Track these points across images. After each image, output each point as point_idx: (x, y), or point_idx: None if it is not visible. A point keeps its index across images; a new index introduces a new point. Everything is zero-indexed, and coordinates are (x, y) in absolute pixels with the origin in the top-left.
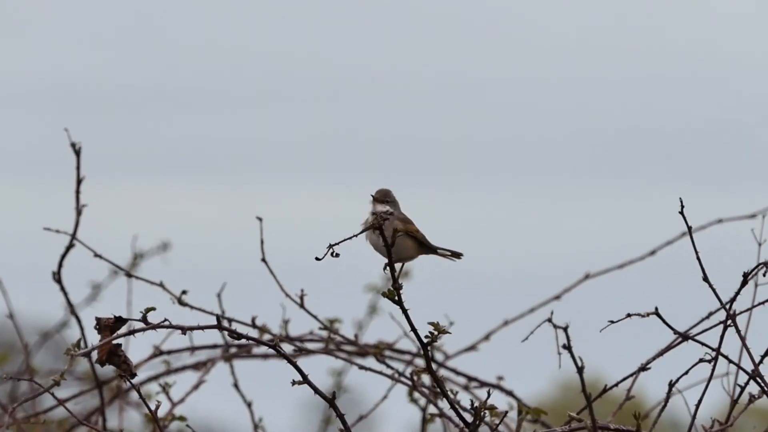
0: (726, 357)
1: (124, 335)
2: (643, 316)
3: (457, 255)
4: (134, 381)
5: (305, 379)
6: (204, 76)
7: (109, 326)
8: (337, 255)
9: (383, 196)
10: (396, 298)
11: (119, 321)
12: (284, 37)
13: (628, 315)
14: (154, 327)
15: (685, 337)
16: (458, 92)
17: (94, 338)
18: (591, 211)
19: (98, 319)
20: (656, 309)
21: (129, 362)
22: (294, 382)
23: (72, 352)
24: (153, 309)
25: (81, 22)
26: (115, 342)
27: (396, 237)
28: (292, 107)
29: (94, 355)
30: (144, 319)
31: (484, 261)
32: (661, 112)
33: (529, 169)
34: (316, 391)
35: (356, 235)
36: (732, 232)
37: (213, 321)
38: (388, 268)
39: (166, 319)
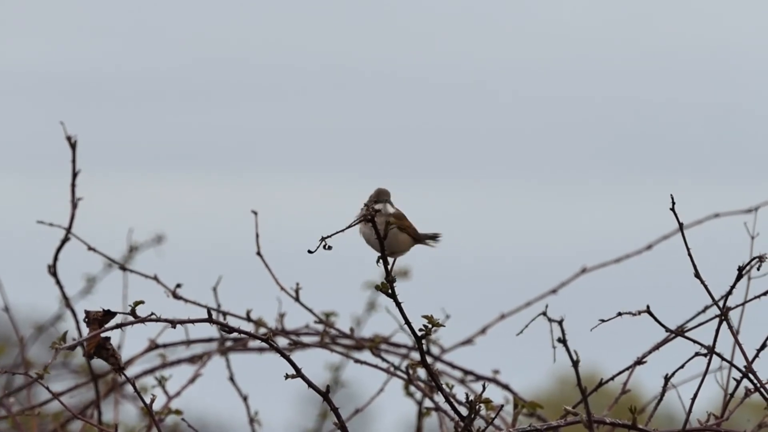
0: (719, 355)
1: (112, 328)
2: (634, 314)
3: (434, 238)
4: (130, 374)
5: (299, 373)
6: (200, 69)
7: (97, 319)
8: (330, 248)
9: (380, 196)
10: (389, 291)
11: (108, 314)
12: (280, 29)
13: (619, 314)
14: (143, 321)
15: (677, 333)
16: (455, 85)
17: (87, 332)
18: (588, 205)
19: (87, 313)
20: (648, 307)
21: (117, 356)
22: (288, 376)
23: (57, 345)
24: (142, 302)
25: (78, 15)
26: (104, 335)
27: (389, 229)
28: (287, 100)
29: (74, 349)
30: (133, 313)
31: (480, 254)
32: (658, 105)
33: (526, 162)
34: (310, 384)
35: (348, 227)
36: (729, 226)
37: (206, 314)
38: (381, 261)
39: (153, 313)
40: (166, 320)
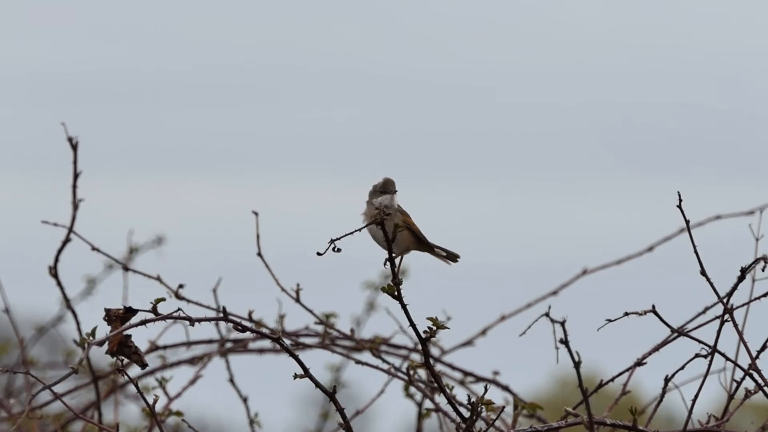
0: (722, 354)
1: (136, 325)
2: (640, 314)
3: (453, 257)
4: (131, 375)
5: (306, 373)
6: (201, 71)
7: (119, 317)
8: (339, 250)
9: (389, 186)
10: (396, 293)
11: (129, 312)
12: (282, 31)
13: (626, 314)
14: (165, 318)
15: (681, 333)
16: (456, 87)
17: (87, 331)
18: (589, 207)
19: (108, 311)
20: (653, 307)
21: (140, 353)
22: (296, 376)
23: (88, 341)
24: (163, 300)
25: (79, 16)
26: (125, 333)
27: (397, 232)
28: (289, 101)
29: (102, 345)
30: (154, 310)
31: (481, 256)
32: (659, 107)
33: (527, 164)
34: (317, 385)
35: (359, 230)
36: (730, 228)
37: (212, 314)
38: (388, 263)
39: (179, 309)
40: (184, 318)
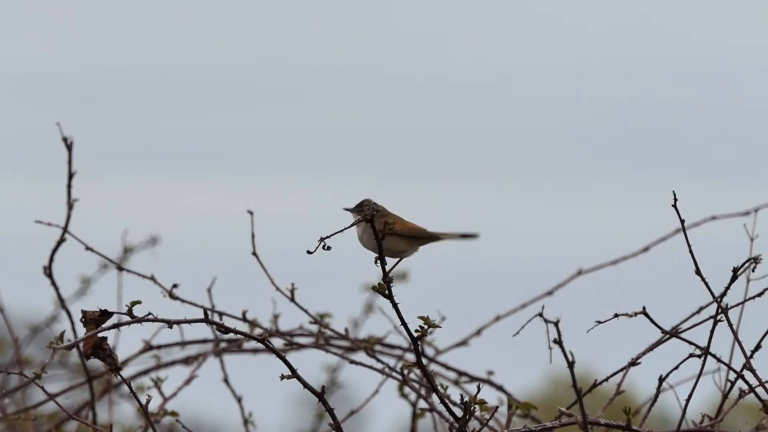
0: (714, 355)
1: (109, 328)
2: (630, 315)
3: (469, 236)
4: (125, 375)
5: (294, 374)
6: (200, 71)
7: (94, 320)
8: (329, 248)
9: (366, 204)
10: (386, 292)
11: (105, 314)
12: (280, 30)
13: (616, 315)
14: (140, 321)
15: (672, 335)
16: (456, 87)
17: (83, 332)
18: (584, 207)
19: (84, 313)
20: (644, 308)
21: (114, 356)
22: (283, 377)
23: (55, 345)
24: (139, 302)
25: (77, 16)
26: (100, 335)
27: (386, 229)
28: (284, 100)
29: (71, 349)
30: (130, 313)
31: (476, 256)
32: (654, 107)
33: (523, 164)
34: (305, 385)
35: (347, 228)
36: (726, 229)
37: (201, 315)
38: (379, 261)
39: (150, 313)
40: (162, 320)
